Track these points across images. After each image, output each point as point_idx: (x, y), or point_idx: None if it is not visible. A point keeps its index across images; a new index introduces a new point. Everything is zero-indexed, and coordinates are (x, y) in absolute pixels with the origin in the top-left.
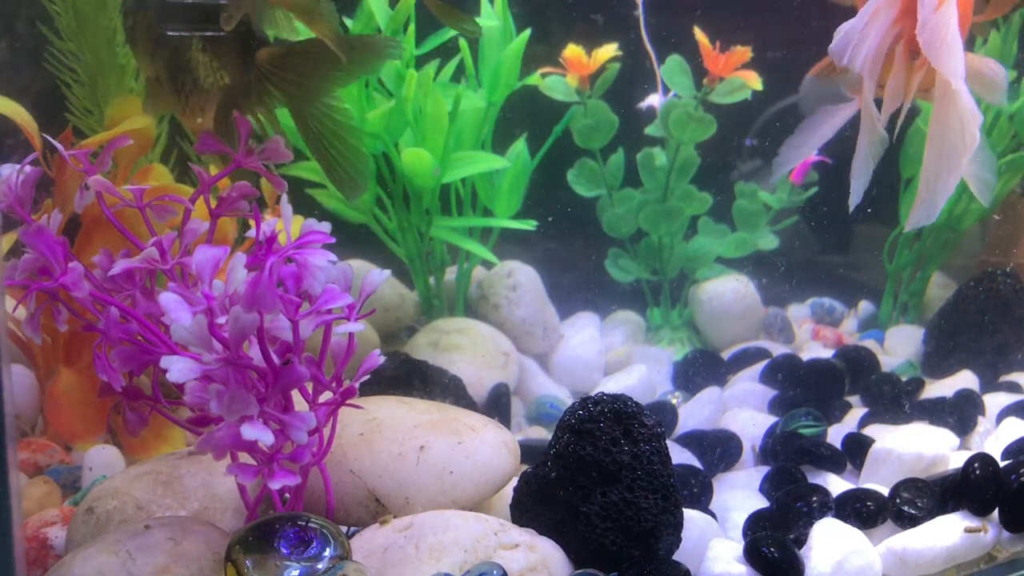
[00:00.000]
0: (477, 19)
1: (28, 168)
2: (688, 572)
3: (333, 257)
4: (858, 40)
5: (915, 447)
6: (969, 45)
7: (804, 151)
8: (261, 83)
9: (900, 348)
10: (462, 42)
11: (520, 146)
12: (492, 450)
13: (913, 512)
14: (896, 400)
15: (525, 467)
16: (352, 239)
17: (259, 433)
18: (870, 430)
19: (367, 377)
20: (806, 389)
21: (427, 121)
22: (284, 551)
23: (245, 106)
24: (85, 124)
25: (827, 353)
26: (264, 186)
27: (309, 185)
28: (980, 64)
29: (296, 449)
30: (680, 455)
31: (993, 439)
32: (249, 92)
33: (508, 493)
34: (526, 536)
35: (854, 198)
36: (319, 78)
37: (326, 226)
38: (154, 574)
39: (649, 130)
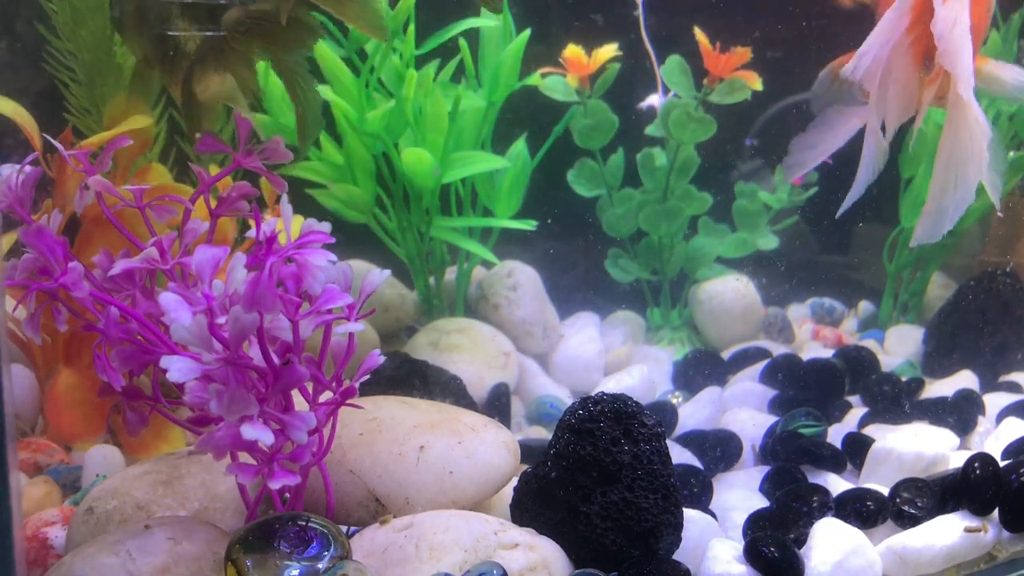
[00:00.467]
0: (477, 20)
1: (28, 168)
2: (688, 572)
3: (333, 257)
4: (863, 51)
5: (915, 447)
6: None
7: (818, 154)
8: (228, 45)
9: (900, 348)
10: (462, 42)
11: (520, 146)
12: (492, 450)
13: (913, 512)
14: (896, 400)
15: (525, 467)
16: (352, 239)
17: (259, 433)
18: (870, 430)
19: (367, 377)
20: (806, 389)
21: (427, 121)
22: (284, 551)
23: (214, 67)
24: (84, 124)
25: (827, 353)
26: (264, 186)
27: (309, 185)
28: (1000, 69)
29: (296, 449)
30: (680, 455)
31: (993, 439)
32: (218, 54)
33: (508, 493)
34: (526, 536)
35: (846, 205)
36: (281, 44)
37: (326, 226)
38: (154, 574)
39: (649, 130)
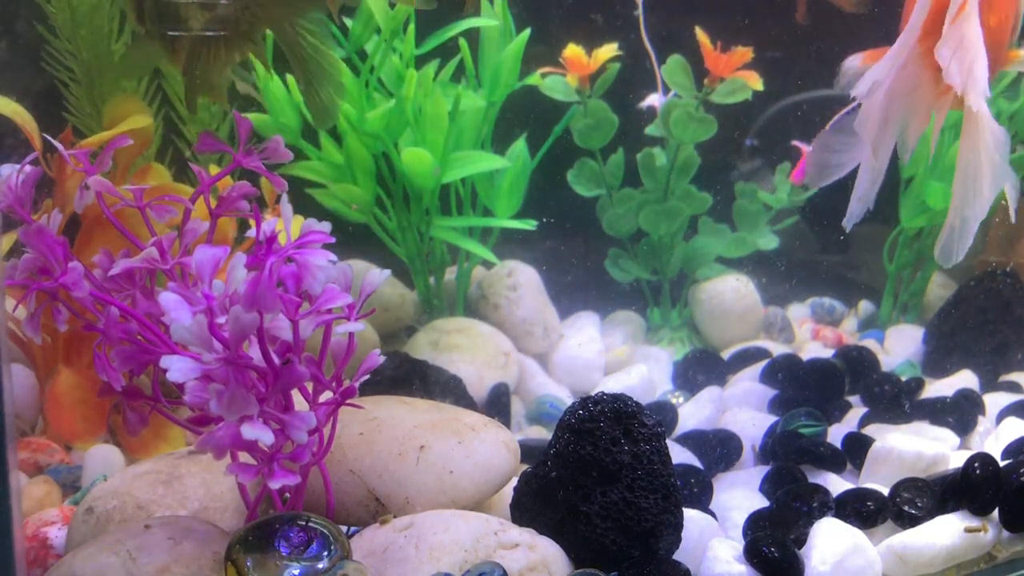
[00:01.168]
0: (477, 20)
1: (28, 168)
2: (688, 572)
3: (333, 257)
4: (871, 77)
5: (915, 447)
6: None
7: (841, 168)
8: (247, 10)
9: (900, 348)
10: (462, 42)
11: (520, 146)
12: (492, 450)
13: (913, 512)
14: (896, 400)
15: (525, 467)
16: (352, 239)
17: (259, 433)
18: (870, 430)
19: (367, 377)
20: (806, 389)
21: (427, 121)
22: (284, 551)
23: (228, 39)
24: (84, 124)
25: (827, 353)
26: (264, 186)
27: (309, 185)
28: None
29: (296, 449)
30: (680, 455)
31: (993, 439)
32: (234, 23)
33: (508, 493)
34: (526, 536)
35: (851, 218)
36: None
37: (326, 226)
38: (154, 574)
39: (649, 130)
